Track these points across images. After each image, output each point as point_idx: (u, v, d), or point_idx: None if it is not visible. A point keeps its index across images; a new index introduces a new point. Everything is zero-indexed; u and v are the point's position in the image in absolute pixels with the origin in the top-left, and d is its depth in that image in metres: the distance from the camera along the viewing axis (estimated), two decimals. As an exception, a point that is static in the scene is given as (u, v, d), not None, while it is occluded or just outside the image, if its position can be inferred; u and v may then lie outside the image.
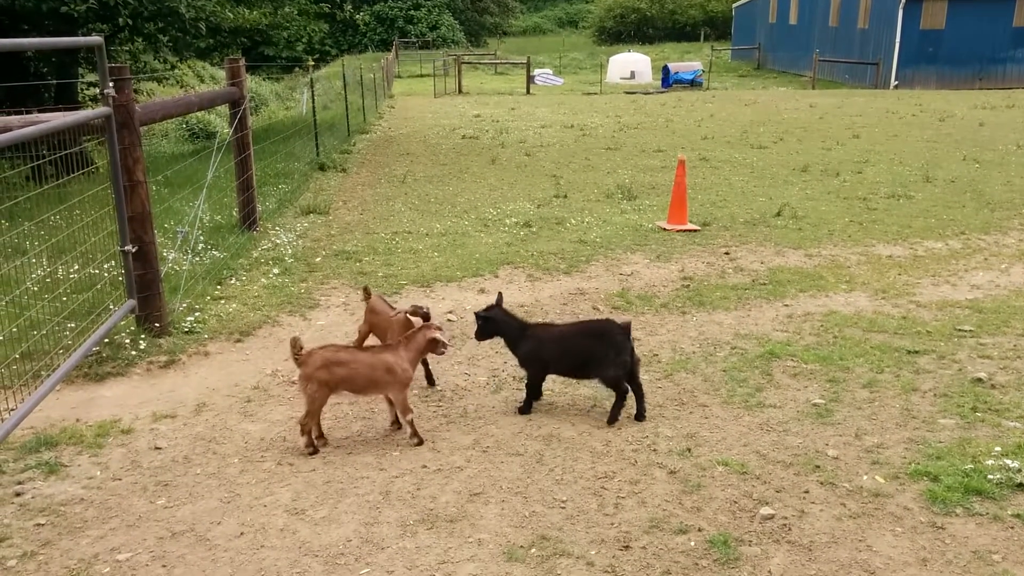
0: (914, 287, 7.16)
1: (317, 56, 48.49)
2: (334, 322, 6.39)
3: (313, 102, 15.79)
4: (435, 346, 4.42)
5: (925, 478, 4.03)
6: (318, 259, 8.08)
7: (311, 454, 4.30)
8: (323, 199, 10.92)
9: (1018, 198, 10.75)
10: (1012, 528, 3.63)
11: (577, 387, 5.16)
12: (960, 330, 6.05)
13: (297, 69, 38.87)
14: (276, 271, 7.58)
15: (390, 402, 4.55)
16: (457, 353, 5.76)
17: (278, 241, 8.64)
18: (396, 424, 4.58)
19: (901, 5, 31.49)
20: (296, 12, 19.40)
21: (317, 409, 4.31)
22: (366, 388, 4.35)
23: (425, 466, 4.23)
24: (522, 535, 3.63)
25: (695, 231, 9.11)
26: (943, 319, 6.32)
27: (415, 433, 4.43)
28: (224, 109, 10.22)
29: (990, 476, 3.98)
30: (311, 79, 17.01)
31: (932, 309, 6.57)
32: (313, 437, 4.35)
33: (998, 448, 4.27)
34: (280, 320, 6.40)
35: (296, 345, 4.22)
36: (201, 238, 8.10)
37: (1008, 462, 4.08)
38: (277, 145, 13.95)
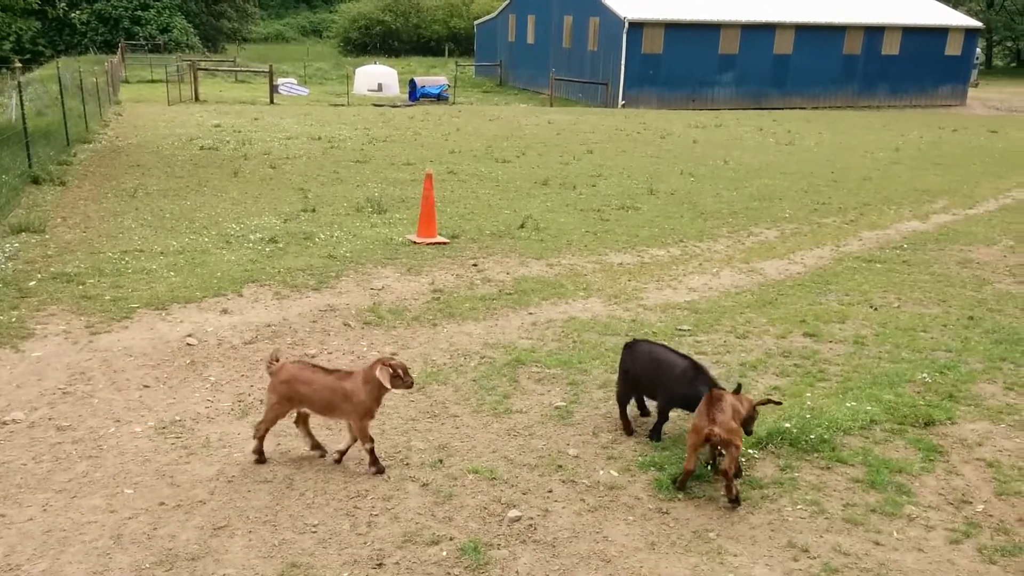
0: (642, 292, 7.81)
1: (28, 57, 43.58)
2: (53, 352, 5.78)
3: (23, 107, 14.18)
4: (391, 381, 4.15)
5: (652, 468, 4.41)
6: (32, 283, 7.27)
7: (257, 462, 4.33)
8: (37, 216, 9.84)
9: (726, 208, 12.08)
10: (726, 508, 4.07)
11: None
12: (680, 329, 6.69)
13: (4, 70, 34.69)
14: (-20, 298, 6.71)
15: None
16: (198, 378, 5.44)
17: (-18, 264, 7.66)
18: (342, 454, 4.40)
19: (625, 30, 34.22)
20: (-1, 7, 17.30)
21: (272, 419, 4.31)
22: (324, 410, 4.30)
23: (163, 503, 3.95)
24: (271, 565, 3.50)
25: (444, 244, 9.30)
26: (666, 320, 6.95)
27: (374, 462, 4.30)
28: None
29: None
30: (19, 82, 15.21)
31: (657, 311, 7.20)
32: (263, 446, 4.36)
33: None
34: (-14, 354, 5.67)
35: (272, 357, 4.34)
36: None
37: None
38: (-21, 155, 12.35)
